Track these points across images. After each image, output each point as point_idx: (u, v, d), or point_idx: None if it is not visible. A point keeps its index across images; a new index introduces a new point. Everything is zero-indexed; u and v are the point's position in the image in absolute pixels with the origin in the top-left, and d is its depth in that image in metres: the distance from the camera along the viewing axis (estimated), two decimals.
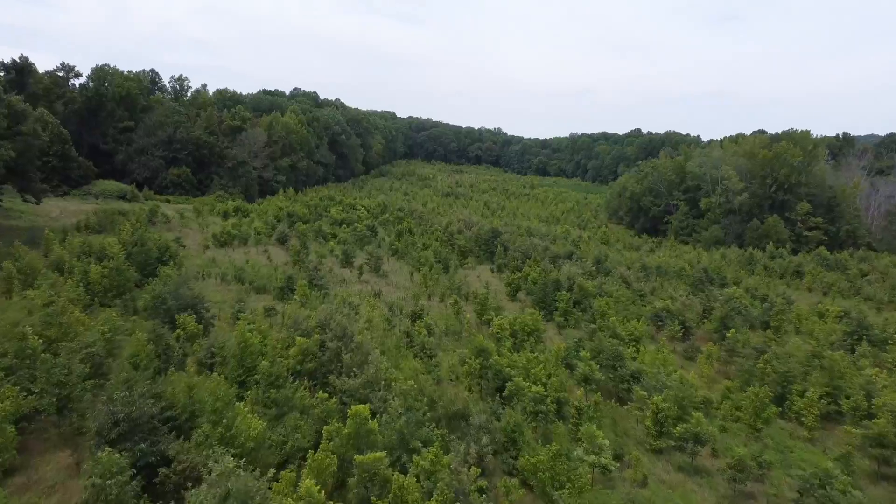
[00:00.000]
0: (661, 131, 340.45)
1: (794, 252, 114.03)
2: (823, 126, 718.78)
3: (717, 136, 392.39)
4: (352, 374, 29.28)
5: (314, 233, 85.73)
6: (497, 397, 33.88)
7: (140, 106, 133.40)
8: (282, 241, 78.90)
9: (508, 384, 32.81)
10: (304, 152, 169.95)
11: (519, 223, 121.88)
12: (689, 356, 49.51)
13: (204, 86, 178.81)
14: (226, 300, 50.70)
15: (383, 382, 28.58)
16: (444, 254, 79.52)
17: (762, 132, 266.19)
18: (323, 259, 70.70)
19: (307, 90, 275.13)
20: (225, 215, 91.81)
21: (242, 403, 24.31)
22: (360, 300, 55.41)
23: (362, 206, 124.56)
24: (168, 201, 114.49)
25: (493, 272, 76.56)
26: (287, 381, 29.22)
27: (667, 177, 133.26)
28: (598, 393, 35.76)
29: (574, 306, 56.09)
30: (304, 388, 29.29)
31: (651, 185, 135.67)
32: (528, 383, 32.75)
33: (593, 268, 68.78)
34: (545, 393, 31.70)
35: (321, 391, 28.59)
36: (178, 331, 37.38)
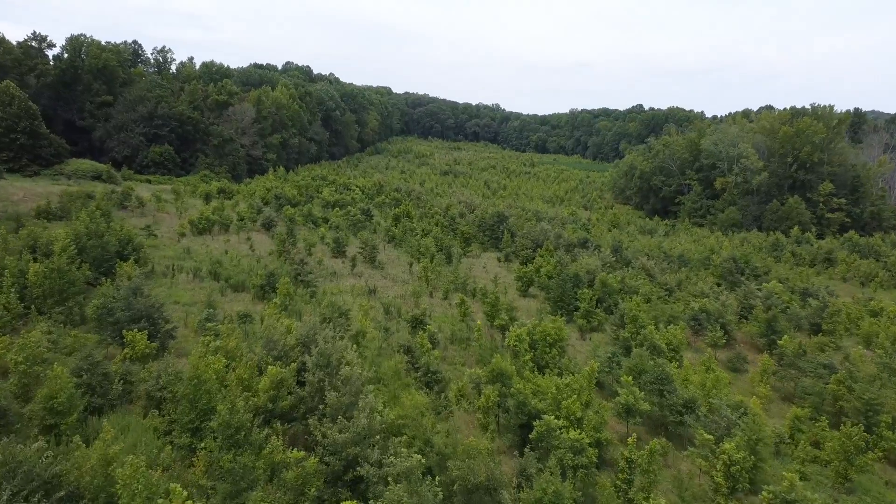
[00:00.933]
0: (664, 107, 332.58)
1: (819, 236, 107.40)
2: (823, 101, 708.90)
3: (720, 112, 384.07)
4: (337, 419, 22.32)
5: (304, 217, 78.48)
6: (521, 436, 27.09)
7: (119, 79, 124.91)
8: (268, 227, 71.67)
9: (536, 424, 25.94)
10: (295, 129, 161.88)
11: (523, 205, 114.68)
12: (734, 367, 42.77)
13: (190, 59, 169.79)
14: (196, 301, 43.64)
15: (378, 437, 21.62)
16: (446, 241, 72.46)
17: (769, 107, 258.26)
18: (312, 248, 63.58)
19: (300, 64, 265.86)
20: (207, 198, 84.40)
21: (180, 486, 17.24)
22: (353, 300, 48.47)
23: (357, 186, 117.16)
24: (149, 181, 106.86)
25: (500, 262, 69.52)
26: (252, 430, 22.27)
27: (679, 155, 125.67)
28: (655, 440, 28.82)
29: (596, 305, 49.21)
30: (276, 438, 22.36)
31: (662, 163, 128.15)
32: (560, 422, 25.93)
33: (613, 257, 61.72)
34: (583, 438, 24.82)
35: (294, 450, 21.59)
36: (125, 349, 30.39)
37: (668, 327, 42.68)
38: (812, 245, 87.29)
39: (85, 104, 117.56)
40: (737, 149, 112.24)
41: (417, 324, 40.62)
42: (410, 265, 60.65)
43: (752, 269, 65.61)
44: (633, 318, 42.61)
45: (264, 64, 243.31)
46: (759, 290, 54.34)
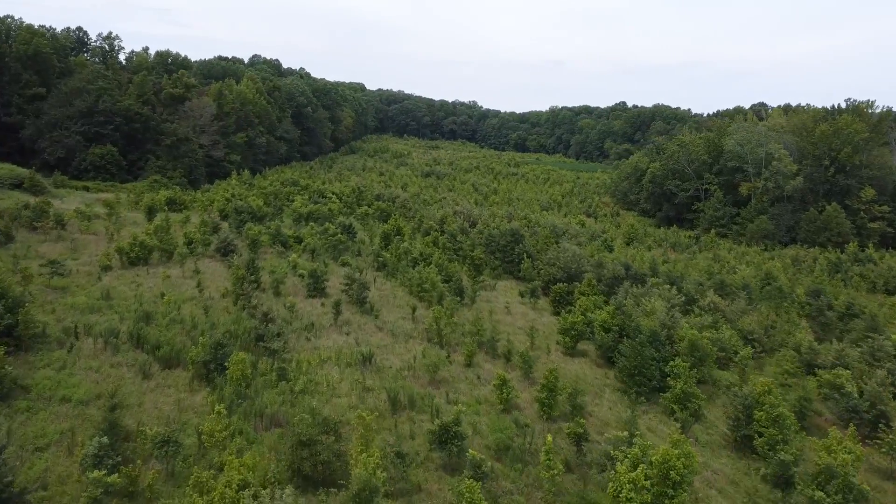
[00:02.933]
0: (647, 104, 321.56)
1: (861, 248, 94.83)
2: (804, 97, 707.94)
3: (703, 110, 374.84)
4: None
5: (271, 237, 62.90)
6: None
7: (55, 69, 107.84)
8: (224, 252, 56.00)
9: None
10: (263, 127, 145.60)
11: (525, 213, 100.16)
12: None
13: (145, 49, 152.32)
14: (99, 395, 28.19)
15: None
16: (451, 268, 57.59)
17: (762, 104, 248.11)
18: (281, 285, 48.19)
19: (268, 58, 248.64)
20: (150, 212, 68.24)
21: None
22: (340, 377, 33.41)
23: (333, 193, 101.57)
24: (86, 189, 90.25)
25: (522, 297, 54.71)
26: None
27: (698, 156, 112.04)
28: None
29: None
30: None
31: (675, 165, 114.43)
32: None
33: (680, 296, 47.24)
34: None
35: None
36: None
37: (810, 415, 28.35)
38: (876, 264, 74.14)
39: (12, 97, 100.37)
40: (765, 149, 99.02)
41: (446, 436, 25.70)
42: (414, 310, 45.51)
43: (847, 308, 51.69)
44: (775, 418, 28.04)
45: (229, 57, 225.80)
46: (889, 344, 40.27)
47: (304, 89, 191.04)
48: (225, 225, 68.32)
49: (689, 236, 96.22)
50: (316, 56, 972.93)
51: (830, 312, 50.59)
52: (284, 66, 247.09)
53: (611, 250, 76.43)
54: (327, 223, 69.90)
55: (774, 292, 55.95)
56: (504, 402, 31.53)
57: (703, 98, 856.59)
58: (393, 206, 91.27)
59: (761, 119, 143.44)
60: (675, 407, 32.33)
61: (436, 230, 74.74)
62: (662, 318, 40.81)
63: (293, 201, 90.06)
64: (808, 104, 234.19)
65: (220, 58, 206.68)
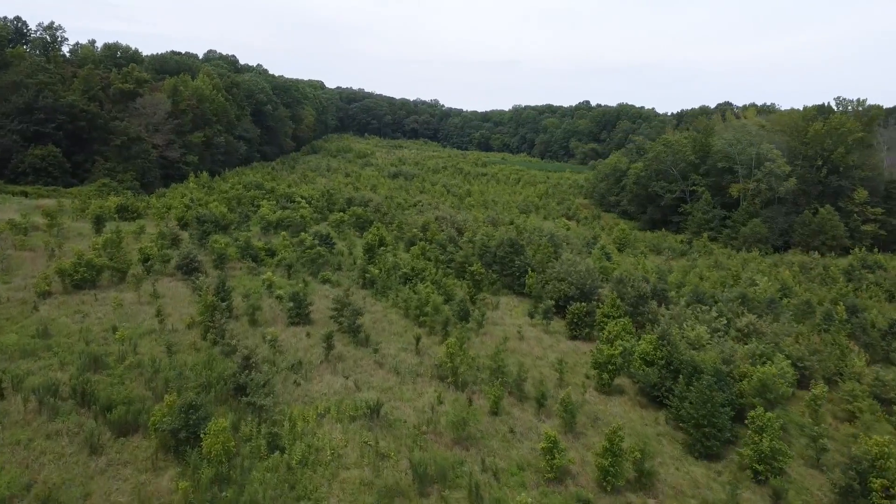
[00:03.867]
0: (611, 103, 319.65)
1: (849, 252, 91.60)
2: (759, 97, 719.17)
3: (665, 109, 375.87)
4: None
5: (239, 250, 55.37)
6: None
7: None
8: (187, 270, 48.33)
9: None
10: (221, 125, 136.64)
11: (510, 218, 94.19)
12: None
13: (91, 41, 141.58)
14: (22, 487, 20.92)
15: None
16: (448, 283, 51.07)
17: (728, 104, 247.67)
18: (258, 311, 40.95)
19: (225, 53, 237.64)
20: (99, 222, 59.82)
21: None
22: (346, 442, 26.67)
23: (302, 197, 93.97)
24: (25, 195, 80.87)
25: (532, 319, 48.40)
26: None
27: (685, 156, 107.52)
28: None
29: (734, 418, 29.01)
30: None
31: (660, 166, 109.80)
32: None
33: (721, 318, 41.42)
34: None
35: None
36: None
37: None
38: (886, 269, 70.21)
39: None
40: (756, 149, 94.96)
41: None
42: (418, 340, 38.75)
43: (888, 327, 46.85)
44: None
45: (183, 52, 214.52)
46: None
47: (263, 86, 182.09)
48: (186, 236, 60.47)
49: (682, 241, 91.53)
50: (271, 53, 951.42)
51: (873, 331, 45.68)
52: (241, 62, 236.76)
53: (609, 259, 70.94)
54: (302, 233, 62.64)
55: (803, 307, 50.92)
56: (555, 469, 25.14)
57: (661, 98, 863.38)
58: (368, 212, 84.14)
59: (737, 118, 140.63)
60: (758, 467, 26.44)
61: (421, 239, 68.07)
62: (718, 350, 34.99)
63: (259, 207, 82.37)
64: (772, 104, 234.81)
65: (173, 52, 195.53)
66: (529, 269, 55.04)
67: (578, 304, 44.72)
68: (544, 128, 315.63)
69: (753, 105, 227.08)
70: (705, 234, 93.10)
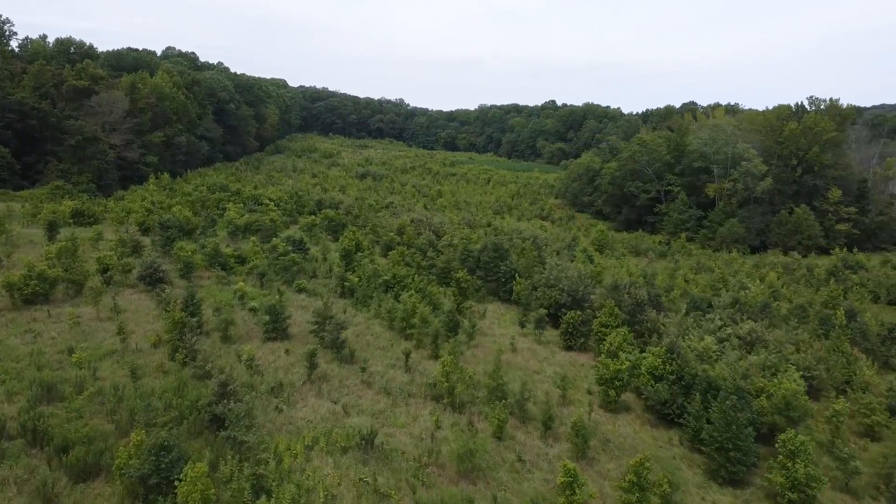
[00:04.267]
0: (577, 103, 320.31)
1: (825, 251, 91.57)
2: (714, 97, 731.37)
3: (629, 109, 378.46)
4: None
5: (207, 257, 51.69)
6: None
7: None
8: (150, 281, 44.60)
9: None
10: (182, 124, 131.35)
11: (487, 219, 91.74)
12: None
13: (43, 36, 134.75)
14: None
15: None
16: (432, 290, 48.26)
17: (693, 103, 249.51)
18: (231, 325, 37.55)
19: (184, 50, 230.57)
20: (52, 228, 55.41)
21: None
22: (339, 481, 23.74)
23: (270, 199, 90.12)
24: None
25: (523, 328, 45.89)
26: None
27: (660, 156, 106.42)
28: None
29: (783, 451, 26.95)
30: None
31: (635, 166, 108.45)
32: None
33: (726, 328, 39.33)
34: None
35: None
36: None
37: None
38: (867, 270, 69.63)
39: None
40: (733, 149, 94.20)
41: None
42: (407, 356, 35.83)
43: (887, 331, 45.60)
44: None
45: (140, 49, 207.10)
46: None
47: (225, 84, 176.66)
48: (148, 243, 56.51)
49: (660, 242, 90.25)
50: (231, 52, 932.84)
51: (873, 336, 44.33)
52: (202, 59, 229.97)
53: (592, 262, 69.01)
54: (273, 238, 59.14)
55: (798, 311, 49.45)
56: None
57: (625, 98, 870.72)
58: (340, 215, 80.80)
59: (707, 117, 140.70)
60: (792, 496, 24.28)
61: (399, 243, 65.14)
62: (727, 362, 32.88)
63: (225, 210, 78.45)
64: (736, 103, 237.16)
65: (130, 49, 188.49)
66: (516, 275, 52.52)
67: (573, 312, 42.34)
68: (511, 127, 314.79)
69: (718, 104, 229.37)
70: (683, 235, 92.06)
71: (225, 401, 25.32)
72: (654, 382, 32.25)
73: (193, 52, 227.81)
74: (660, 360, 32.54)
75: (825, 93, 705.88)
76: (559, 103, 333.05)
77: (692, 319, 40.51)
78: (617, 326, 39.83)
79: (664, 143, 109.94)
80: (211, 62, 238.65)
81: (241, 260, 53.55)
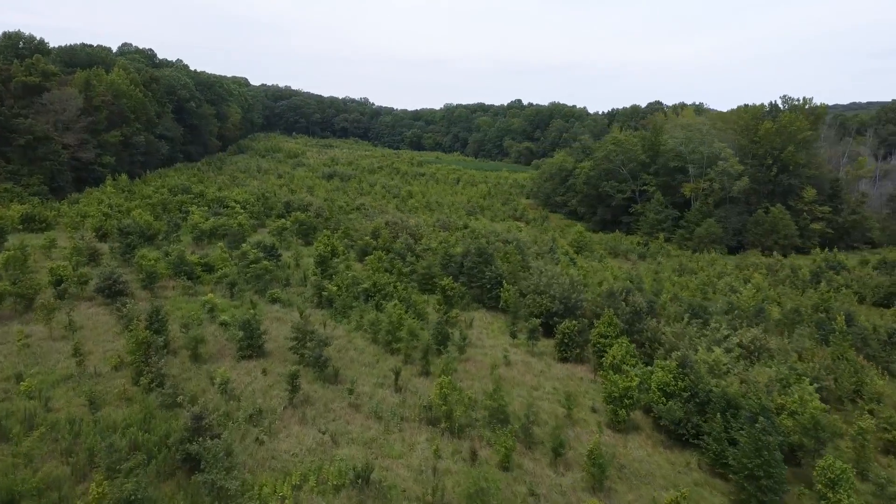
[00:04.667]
0: (543, 102, 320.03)
1: (801, 250, 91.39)
2: (678, 97, 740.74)
3: (596, 109, 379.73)
4: None
5: (171, 265, 47.98)
6: None
7: None
8: (109, 294, 40.87)
9: None
10: (140, 123, 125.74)
11: (462, 220, 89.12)
12: None
13: None
14: None
15: None
16: (417, 301, 45.43)
17: (658, 103, 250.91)
18: (201, 343, 34.17)
19: (141, 47, 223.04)
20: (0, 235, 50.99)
21: None
22: None
23: (235, 201, 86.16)
24: None
25: (515, 339, 43.35)
26: None
27: (635, 156, 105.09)
28: None
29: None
30: None
31: (610, 166, 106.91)
32: None
33: (734, 336, 37.20)
34: None
35: None
36: None
37: None
38: (849, 271, 68.95)
39: None
40: (709, 148, 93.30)
41: None
42: (397, 375, 32.90)
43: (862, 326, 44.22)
44: None
45: (95, 45, 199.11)
46: None
47: (185, 82, 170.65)
48: (106, 250, 52.52)
49: (638, 242, 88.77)
50: (190, 50, 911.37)
51: (873, 341, 42.94)
52: (160, 57, 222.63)
53: (574, 264, 67.00)
54: (243, 244, 55.58)
55: (792, 316, 47.93)
56: None
57: (588, 97, 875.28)
58: (311, 217, 77.30)
59: (677, 116, 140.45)
60: None
61: (375, 248, 62.11)
62: (717, 364, 30.77)
63: (189, 213, 74.37)
64: (701, 103, 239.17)
65: (84, 45, 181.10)
66: (504, 281, 49.96)
67: (568, 322, 39.94)
68: (477, 126, 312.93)
69: (684, 104, 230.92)
70: (661, 236, 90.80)
71: (200, 437, 22.14)
72: (665, 399, 29.97)
73: (151, 49, 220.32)
74: (670, 375, 30.29)
75: (781, 93, 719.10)
76: (525, 102, 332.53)
77: (694, 328, 38.43)
78: (616, 337, 37.53)
79: (639, 142, 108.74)
80: (170, 59, 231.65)
81: (209, 268, 49.94)
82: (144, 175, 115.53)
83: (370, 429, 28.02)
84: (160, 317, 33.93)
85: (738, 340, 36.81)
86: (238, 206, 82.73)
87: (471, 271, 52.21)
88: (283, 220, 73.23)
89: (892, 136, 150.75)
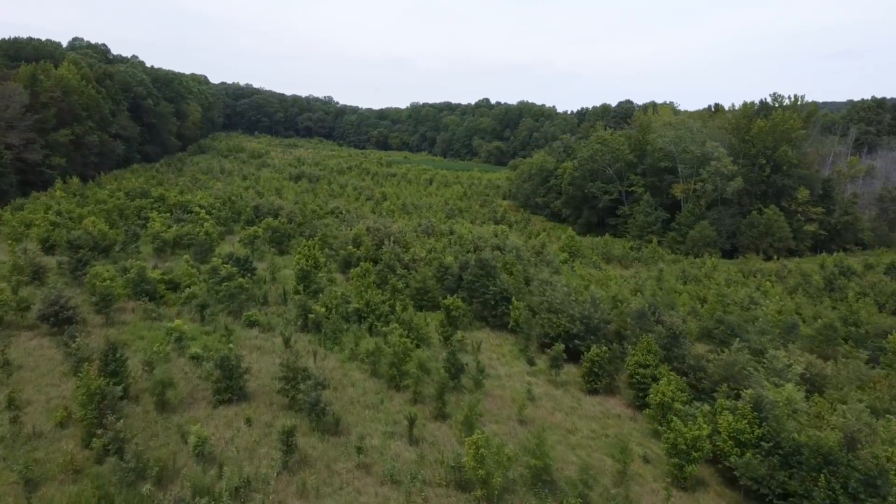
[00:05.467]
0: (511, 101, 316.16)
1: (794, 253, 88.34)
2: (646, 97, 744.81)
3: (564, 108, 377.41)
4: None
5: (130, 284, 41.41)
6: None
7: None
8: (56, 322, 34.29)
9: None
10: (94, 121, 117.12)
11: (451, 227, 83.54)
12: None
13: None
14: None
15: None
16: (419, 323, 39.75)
17: (629, 102, 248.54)
18: (168, 387, 27.99)
19: (94, 42, 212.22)
20: None
21: None
22: None
23: (200, 206, 79.23)
24: None
25: (533, 367, 37.93)
26: None
27: (623, 155, 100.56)
28: None
29: None
30: None
31: (595, 166, 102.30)
32: None
33: (797, 364, 32.34)
34: None
35: None
36: None
37: None
38: (860, 276, 65.40)
39: None
40: (701, 148, 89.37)
41: None
42: (411, 423, 27.21)
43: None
44: None
45: (43, 39, 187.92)
46: None
47: (142, 78, 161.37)
48: (53, 265, 45.64)
49: (631, 247, 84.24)
50: (146, 47, 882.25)
51: None
52: (114, 53, 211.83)
53: (573, 271, 62.15)
54: (213, 258, 49.16)
55: (828, 332, 43.59)
56: None
57: (554, 97, 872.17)
58: (284, 223, 70.95)
59: (655, 114, 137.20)
60: None
61: (359, 258, 56.19)
62: (792, 397, 25.98)
63: (149, 220, 67.43)
64: (671, 102, 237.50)
65: (31, 38, 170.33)
66: (511, 297, 44.56)
67: (597, 348, 34.75)
68: (445, 126, 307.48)
69: (654, 102, 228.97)
70: (654, 239, 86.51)
71: None
72: (739, 450, 24.97)
73: (104, 45, 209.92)
74: (744, 421, 25.29)
75: (739, 95, 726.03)
76: (492, 101, 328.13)
77: (746, 355, 33.53)
78: (656, 366, 32.48)
79: (626, 141, 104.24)
80: (125, 56, 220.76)
81: (174, 286, 43.53)
82: (98, 177, 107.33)
83: (388, 500, 22.37)
84: (117, 356, 27.69)
85: (801, 370, 32.02)
86: (203, 211, 75.82)
87: (472, 286, 46.68)
88: (253, 227, 66.70)
89: (864, 135, 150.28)
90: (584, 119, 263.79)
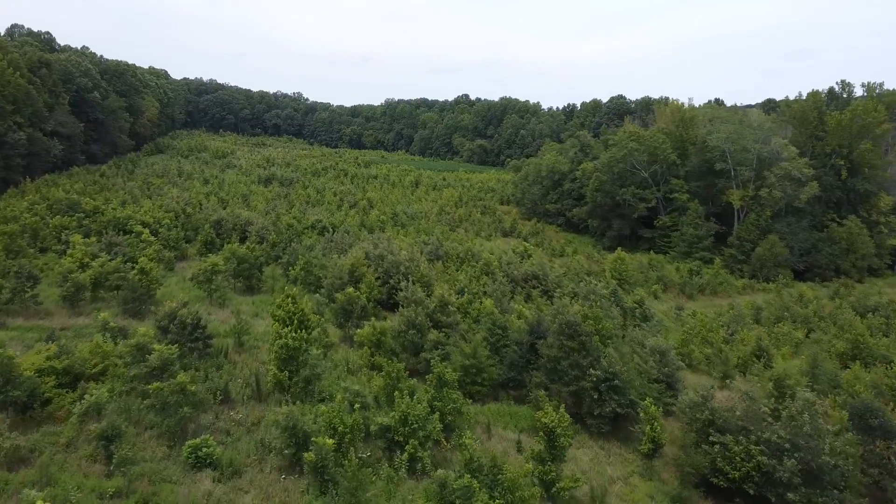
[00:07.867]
0: (493, 97, 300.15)
1: (874, 272, 73.20)
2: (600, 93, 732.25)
3: (548, 105, 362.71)
4: None
5: (44, 337, 23.52)
6: None
7: None
8: None
9: None
10: (23, 116, 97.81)
11: (470, 247, 66.35)
12: None
13: None
14: None
15: None
16: (443, 398, 22.73)
17: (621, 97, 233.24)
18: None
19: (36, 30, 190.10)
20: None
21: None
22: None
23: (143, 223, 61.27)
24: None
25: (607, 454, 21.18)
26: None
27: (666, 156, 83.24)
28: None
29: None
30: None
31: (624, 170, 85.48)
32: None
33: None
34: None
35: None
36: None
37: None
38: None
39: None
40: (765, 147, 73.43)
41: None
42: None
43: None
44: None
45: None
46: None
47: (87, 68, 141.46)
48: None
49: (690, 270, 67.87)
50: (100, 42, 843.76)
51: None
52: (61, 43, 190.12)
53: (640, 307, 45.74)
54: (144, 325, 31.46)
55: None
56: None
57: (537, 93, 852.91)
58: (253, 249, 53.23)
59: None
60: None
61: (365, 308, 38.77)
62: None
63: (67, 245, 49.43)
64: (666, 97, 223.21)
65: None
66: (623, 389, 27.62)
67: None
68: (423, 123, 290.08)
69: (649, 97, 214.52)
70: (718, 261, 70.07)
71: None
72: None
73: (48, 33, 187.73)
74: None
75: (706, 91, 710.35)
76: (472, 97, 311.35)
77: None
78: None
79: (669, 139, 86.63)
80: (74, 46, 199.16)
81: (72, 384, 25.84)
82: (24, 183, 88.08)
83: None
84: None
85: None
86: (147, 230, 57.82)
87: (555, 364, 29.67)
88: (212, 258, 48.58)
89: None
90: (574, 115, 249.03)
